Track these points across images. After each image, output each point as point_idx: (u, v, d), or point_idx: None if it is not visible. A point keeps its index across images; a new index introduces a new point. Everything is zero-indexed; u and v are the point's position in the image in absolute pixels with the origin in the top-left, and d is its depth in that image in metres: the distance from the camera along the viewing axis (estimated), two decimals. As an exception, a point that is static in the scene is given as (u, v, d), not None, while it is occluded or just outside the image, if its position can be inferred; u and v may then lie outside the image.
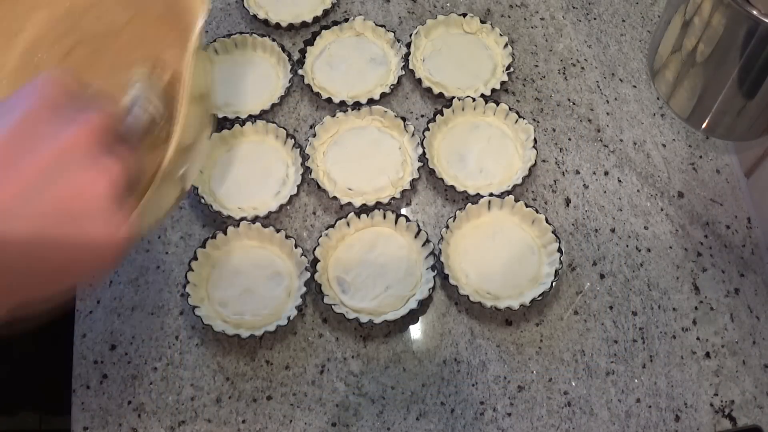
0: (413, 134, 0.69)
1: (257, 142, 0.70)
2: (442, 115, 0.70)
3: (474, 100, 0.71)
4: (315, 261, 0.62)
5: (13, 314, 0.32)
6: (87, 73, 0.49)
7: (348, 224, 0.65)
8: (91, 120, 0.35)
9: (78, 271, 0.36)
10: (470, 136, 0.70)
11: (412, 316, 0.61)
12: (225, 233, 0.63)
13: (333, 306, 0.60)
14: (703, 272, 0.66)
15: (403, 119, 0.69)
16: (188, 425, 0.58)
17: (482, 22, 0.76)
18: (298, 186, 0.66)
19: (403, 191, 0.67)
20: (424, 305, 0.62)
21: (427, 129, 0.69)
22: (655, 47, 0.57)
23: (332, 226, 0.64)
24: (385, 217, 0.65)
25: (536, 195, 0.69)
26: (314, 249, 0.63)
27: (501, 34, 0.76)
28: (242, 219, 0.64)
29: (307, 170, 0.67)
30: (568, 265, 0.65)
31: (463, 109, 0.71)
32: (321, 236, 0.63)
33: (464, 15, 0.77)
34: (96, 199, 0.34)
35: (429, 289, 0.61)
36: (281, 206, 0.66)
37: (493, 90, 0.72)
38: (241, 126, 0.69)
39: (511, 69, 0.74)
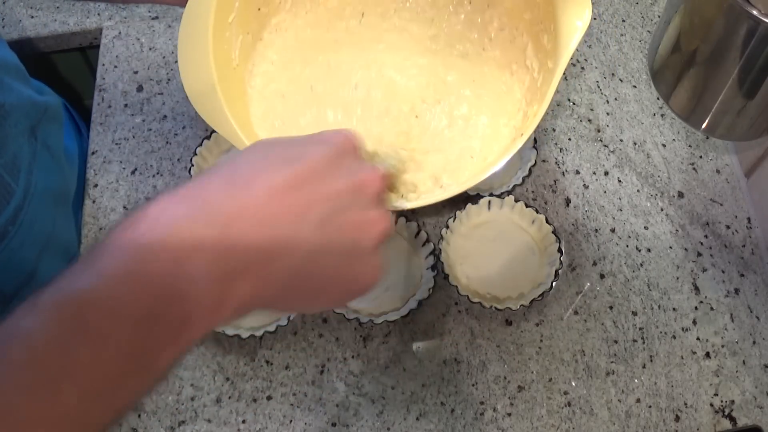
0: None
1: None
2: None
3: None
4: None
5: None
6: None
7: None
8: (379, 171, 0.39)
9: (328, 300, 0.39)
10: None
11: (411, 316, 0.61)
12: None
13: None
14: (703, 272, 0.66)
15: None
16: (188, 425, 0.58)
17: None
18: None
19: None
20: (423, 305, 0.62)
21: None
22: (655, 47, 0.57)
23: None
24: (385, 217, 0.65)
25: (536, 195, 0.69)
26: None
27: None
28: None
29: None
30: (568, 265, 0.65)
31: None
32: None
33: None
34: (371, 240, 0.37)
35: (429, 290, 0.61)
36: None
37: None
38: None
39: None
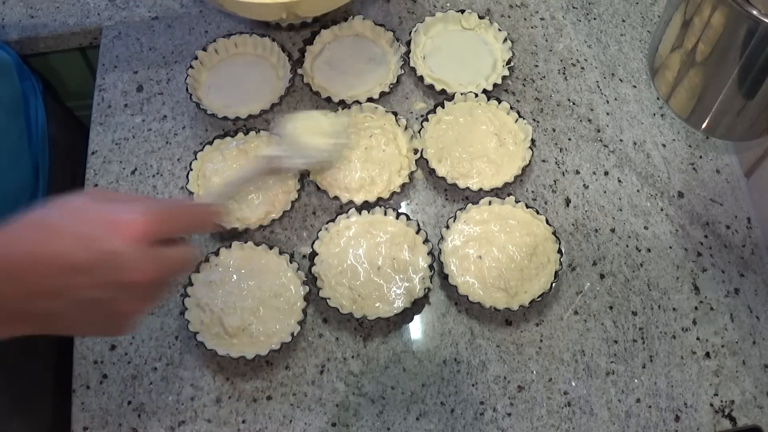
0: (406, 128, 0.69)
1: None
2: (443, 107, 0.70)
3: (477, 96, 0.71)
4: (313, 254, 0.63)
5: None
6: None
7: (348, 218, 0.65)
8: (155, 268, 0.42)
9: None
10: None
11: (407, 315, 0.61)
12: (217, 255, 0.63)
13: (327, 300, 0.60)
14: (703, 272, 0.66)
15: (395, 113, 0.70)
16: (188, 425, 0.58)
17: (480, 17, 0.77)
18: (299, 190, 0.66)
19: (403, 184, 0.67)
20: (418, 304, 0.62)
21: (426, 120, 0.69)
22: (655, 47, 0.57)
23: (332, 220, 0.64)
24: (385, 214, 0.65)
25: (536, 195, 0.69)
26: (313, 242, 0.63)
27: (500, 29, 0.76)
28: (244, 229, 0.64)
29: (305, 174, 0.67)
30: (568, 265, 0.65)
31: (463, 107, 0.71)
32: (320, 230, 0.64)
33: (462, 11, 0.77)
34: (123, 320, 0.44)
35: (425, 289, 0.61)
36: (284, 212, 0.66)
37: (495, 85, 0.72)
38: (232, 137, 0.69)
39: (512, 63, 0.74)
